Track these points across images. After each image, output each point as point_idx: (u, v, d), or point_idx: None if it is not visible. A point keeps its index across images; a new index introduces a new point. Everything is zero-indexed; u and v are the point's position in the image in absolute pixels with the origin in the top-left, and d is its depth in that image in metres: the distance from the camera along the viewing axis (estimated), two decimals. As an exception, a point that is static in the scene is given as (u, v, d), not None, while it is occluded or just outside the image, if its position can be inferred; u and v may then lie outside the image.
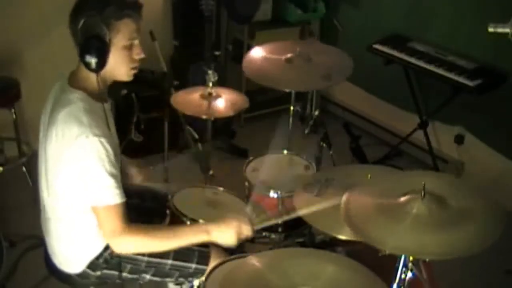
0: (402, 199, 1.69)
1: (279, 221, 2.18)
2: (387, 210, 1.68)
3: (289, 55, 2.70)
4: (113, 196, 1.75)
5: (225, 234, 1.88)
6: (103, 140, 1.71)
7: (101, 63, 1.74)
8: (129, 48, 1.79)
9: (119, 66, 1.80)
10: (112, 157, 1.75)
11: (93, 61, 1.72)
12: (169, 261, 1.98)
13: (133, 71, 1.85)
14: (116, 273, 1.96)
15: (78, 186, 1.76)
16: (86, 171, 1.73)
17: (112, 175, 1.75)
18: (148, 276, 2.00)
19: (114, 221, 1.77)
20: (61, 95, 1.80)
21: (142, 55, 1.83)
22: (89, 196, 1.76)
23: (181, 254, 1.99)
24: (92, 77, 1.77)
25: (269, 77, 2.64)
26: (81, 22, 1.70)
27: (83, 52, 1.72)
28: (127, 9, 1.74)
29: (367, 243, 1.61)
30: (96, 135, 1.71)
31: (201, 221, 2.09)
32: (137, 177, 2.26)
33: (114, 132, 1.92)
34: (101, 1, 1.72)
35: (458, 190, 1.77)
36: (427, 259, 1.89)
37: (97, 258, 1.92)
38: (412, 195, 1.68)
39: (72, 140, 1.71)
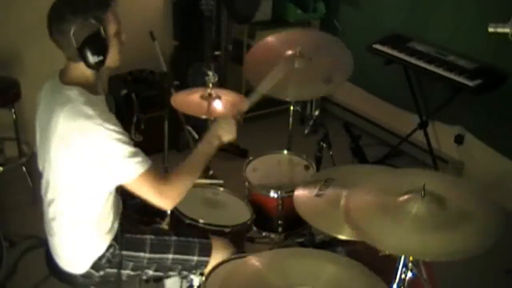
0: (402, 198, 1.69)
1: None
2: (387, 209, 1.68)
3: (289, 52, 2.65)
4: (142, 162, 1.77)
5: (228, 126, 2.04)
6: (112, 123, 1.74)
7: (105, 59, 1.77)
8: (118, 33, 1.81)
9: (113, 54, 1.81)
10: (125, 132, 1.77)
11: (97, 59, 1.75)
12: (170, 256, 1.99)
13: (120, 55, 1.87)
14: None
15: (100, 174, 1.76)
16: (110, 154, 1.73)
17: (133, 145, 1.78)
18: (151, 272, 2.00)
19: (154, 184, 1.79)
20: (56, 95, 1.79)
21: (125, 35, 1.85)
22: (121, 174, 1.76)
23: (182, 247, 2.00)
24: (88, 72, 1.80)
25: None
26: (72, 28, 1.70)
27: (85, 53, 1.73)
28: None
29: (367, 243, 1.61)
30: (105, 120, 1.73)
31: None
32: None
33: None
34: (82, 3, 1.73)
35: (458, 190, 1.77)
36: (426, 259, 1.89)
37: (100, 259, 1.91)
38: (412, 195, 1.68)
39: (83, 134, 1.71)
